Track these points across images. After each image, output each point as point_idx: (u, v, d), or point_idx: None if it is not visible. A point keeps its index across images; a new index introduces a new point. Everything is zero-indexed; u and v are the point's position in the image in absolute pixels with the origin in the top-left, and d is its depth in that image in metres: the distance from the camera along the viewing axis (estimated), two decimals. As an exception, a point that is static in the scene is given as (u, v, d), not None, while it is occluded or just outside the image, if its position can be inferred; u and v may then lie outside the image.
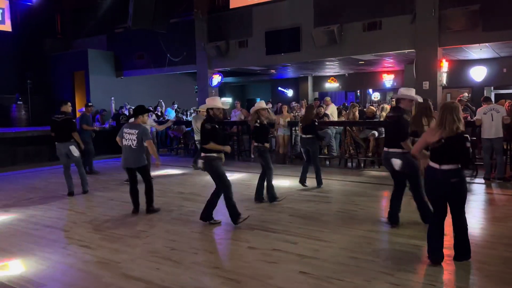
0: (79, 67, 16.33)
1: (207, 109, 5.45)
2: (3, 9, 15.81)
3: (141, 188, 6.26)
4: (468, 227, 4.00)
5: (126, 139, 6.08)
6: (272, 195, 6.59)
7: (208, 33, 14.00)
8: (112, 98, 15.27)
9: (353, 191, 7.39)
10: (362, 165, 10.11)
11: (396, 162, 5.02)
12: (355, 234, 4.93)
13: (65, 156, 7.50)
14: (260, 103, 6.72)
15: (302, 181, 7.78)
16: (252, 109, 6.72)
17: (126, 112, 14.28)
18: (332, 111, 11.48)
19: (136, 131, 6.03)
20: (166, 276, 3.88)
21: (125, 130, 6.14)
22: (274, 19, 12.59)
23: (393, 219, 5.23)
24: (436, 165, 3.84)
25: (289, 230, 5.20)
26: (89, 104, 10.62)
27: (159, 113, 15.11)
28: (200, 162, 5.42)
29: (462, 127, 3.78)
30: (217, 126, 5.32)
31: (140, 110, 6.27)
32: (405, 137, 4.94)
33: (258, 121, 6.55)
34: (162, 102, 15.96)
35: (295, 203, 6.53)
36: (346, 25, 11.29)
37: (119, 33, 16.56)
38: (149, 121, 8.33)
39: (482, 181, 7.89)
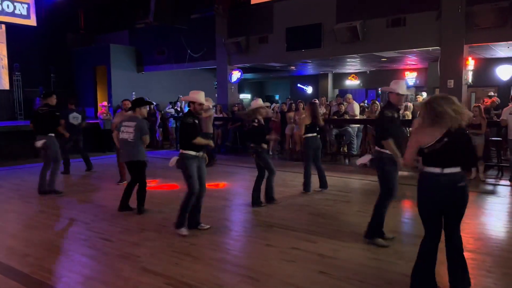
0: (101, 62, 16.55)
1: (189, 103, 5.08)
2: (28, 4, 16.11)
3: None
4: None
5: (123, 132, 5.86)
6: (271, 197, 6.37)
7: (229, 29, 13.98)
8: (133, 93, 15.43)
9: (374, 191, 7.22)
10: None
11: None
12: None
13: (43, 150, 7.02)
14: (258, 101, 6.37)
15: (308, 187, 7.06)
16: (250, 108, 6.39)
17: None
18: (355, 108, 11.31)
19: (134, 124, 5.82)
20: (185, 272, 3.87)
21: (124, 123, 5.95)
22: (296, 15, 12.47)
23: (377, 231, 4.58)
24: (437, 170, 3.16)
25: (309, 229, 5.14)
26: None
27: (179, 109, 15.19)
28: (174, 159, 5.02)
29: (465, 121, 3.17)
30: (196, 122, 4.97)
31: (139, 102, 5.97)
32: (384, 136, 4.35)
33: (256, 120, 6.21)
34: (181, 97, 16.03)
35: (314, 202, 6.46)
36: (369, 21, 11.09)
37: (140, 29, 16.70)
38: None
39: (508, 183, 7.66)
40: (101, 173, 9.23)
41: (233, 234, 5.14)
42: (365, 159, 5.00)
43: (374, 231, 4.53)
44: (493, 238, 4.74)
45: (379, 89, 17.76)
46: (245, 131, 6.74)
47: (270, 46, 13.17)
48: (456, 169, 3.16)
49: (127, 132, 5.83)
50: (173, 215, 5.77)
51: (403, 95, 4.48)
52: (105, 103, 13.65)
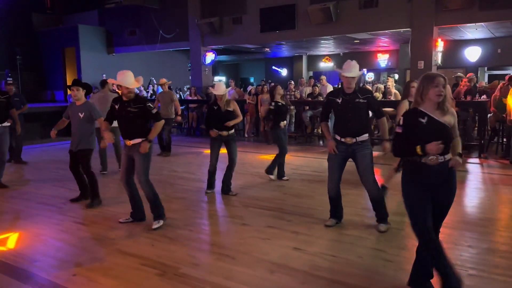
0: (69, 44, 16.03)
1: (117, 87, 4.84)
2: (-11, -18, 15.37)
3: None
4: None
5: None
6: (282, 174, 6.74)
7: (202, 9, 13.75)
8: (104, 75, 15.03)
9: (347, 171, 7.39)
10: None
11: None
12: (349, 212, 4.95)
13: None
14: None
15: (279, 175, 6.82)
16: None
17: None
18: (329, 90, 11.41)
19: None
20: (161, 253, 3.89)
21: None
22: (269, -5, 12.38)
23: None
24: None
25: (283, 208, 5.23)
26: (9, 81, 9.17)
27: (151, 92, 14.94)
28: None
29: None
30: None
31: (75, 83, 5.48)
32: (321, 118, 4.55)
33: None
34: (154, 80, 15.76)
35: (289, 182, 6.56)
36: (342, 3, 11.14)
37: (110, 9, 16.18)
38: None
39: (477, 160, 7.97)
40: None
41: (209, 215, 5.18)
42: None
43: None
44: (469, 214, 4.96)
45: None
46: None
47: (244, 27, 13.06)
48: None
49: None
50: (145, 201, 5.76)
51: (347, 77, 4.21)
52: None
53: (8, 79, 10.05)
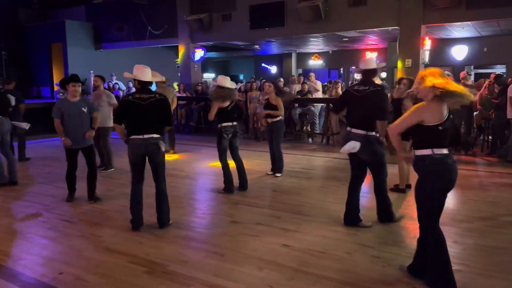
0: (56, 39, 15.78)
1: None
2: (-27, -25, 15.05)
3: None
4: None
5: None
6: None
7: (191, 5, 13.65)
8: (91, 71, 14.86)
9: (336, 168, 7.46)
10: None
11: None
12: (337, 209, 4.98)
13: None
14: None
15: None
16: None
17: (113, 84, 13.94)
18: (318, 87, 11.44)
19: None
20: (150, 250, 3.87)
21: None
22: (259, -8, 12.35)
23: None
24: (446, 151, 2.95)
25: (272, 205, 5.24)
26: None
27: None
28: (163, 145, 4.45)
29: None
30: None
31: (67, 80, 5.41)
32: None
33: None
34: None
35: (278, 180, 6.57)
36: (331, 0, 11.16)
37: (98, 4, 16.00)
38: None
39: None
40: (58, 154, 8.94)
41: (198, 212, 5.16)
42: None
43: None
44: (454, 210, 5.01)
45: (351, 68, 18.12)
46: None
47: (234, 23, 13.01)
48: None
49: None
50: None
51: (361, 70, 4.37)
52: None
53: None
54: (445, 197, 3.01)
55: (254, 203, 5.30)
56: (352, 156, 4.31)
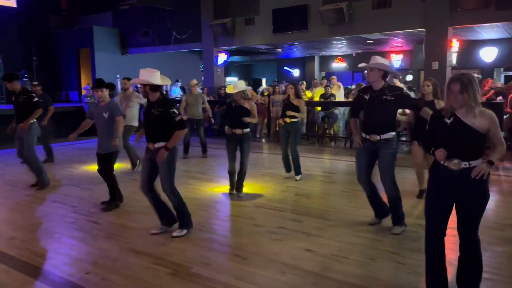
0: (84, 44, 16.22)
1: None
2: (7, -16, 15.63)
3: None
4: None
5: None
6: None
7: (214, 10, 13.80)
8: (118, 75, 15.20)
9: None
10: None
11: None
12: (361, 214, 4.93)
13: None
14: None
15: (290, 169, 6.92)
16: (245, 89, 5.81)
17: (133, 88, 14.18)
18: (340, 91, 11.37)
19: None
20: (173, 252, 3.92)
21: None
22: (282, -4, 12.37)
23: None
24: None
25: (295, 209, 5.22)
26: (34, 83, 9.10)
27: (164, 92, 15.03)
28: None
29: None
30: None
31: (99, 84, 5.37)
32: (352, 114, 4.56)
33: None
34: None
35: (300, 183, 6.54)
36: (355, 3, 11.08)
37: (124, 10, 16.35)
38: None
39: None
40: (85, 157, 9.17)
41: (221, 215, 5.19)
42: None
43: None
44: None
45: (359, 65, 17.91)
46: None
47: (257, 28, 13.08)
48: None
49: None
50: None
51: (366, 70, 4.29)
52: (89, 87, 13.44)
53: (25, 79, 10.07)
54: (438, 195, 2.88)
55: (277, 207, 5.29)
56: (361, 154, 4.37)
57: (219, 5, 13.72)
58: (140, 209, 5.27)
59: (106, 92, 5.31)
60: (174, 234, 4.30)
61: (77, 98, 16.36)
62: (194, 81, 9.34)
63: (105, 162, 5.35)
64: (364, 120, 4.32)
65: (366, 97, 4.21)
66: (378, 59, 4.14)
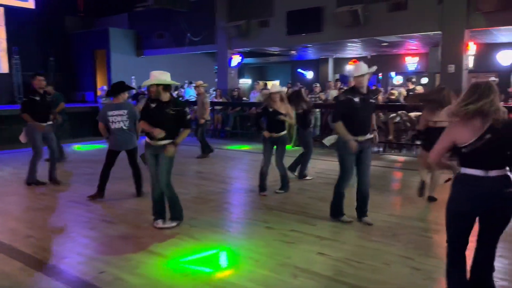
0: (100, 46, 16.45)
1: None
2: (26, -14, 15.93)
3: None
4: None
5: (115, 122, 5.63)
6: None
7: (229, 12, 13.86)
8: (133, 77, 15.36)
9: (373, 175, 7.21)
10: (382, 149, 9.98)
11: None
12: (375, 218, 4.88)
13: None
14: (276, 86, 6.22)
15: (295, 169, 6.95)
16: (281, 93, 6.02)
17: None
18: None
19: (126, 111, 5.66)
20: (186, 252, 3.93)
21: (110, 112, 5.63)
22: (296, -2, 12.36)
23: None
24: (480, 172, 2.58)
25: (308, 212, 5.19)
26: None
27: (175, 94, 15.11)
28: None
29: (503, 115, 2.59)
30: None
31: (121, 88, 5.71)
32: (333, 119, 4.77)
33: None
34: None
35: (313, 186, 6.51)
36: (370, 5, 11.01)
37: (140, 12, 16.56)
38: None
39: None
40: (100, 157, 9.26)
41: (233, 217, 5.20)
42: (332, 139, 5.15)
43: (335, 210, 4.79)
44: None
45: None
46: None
47: (271, 30, 13.08)
48: (504, 172, 2.60)
49: (120, 121, 5.68)
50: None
51: (358, 76, 4.51)
52: (105, 87, 13.61)
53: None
54: (469, 219, 2.68)
55: (290, 209, 5.27)
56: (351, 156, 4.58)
57: (233, 7, 13.77)
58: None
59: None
60: (161, 225, 4.56)
61: (92, 98, 16.58)
62: (199, 82, 9.33)
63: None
64: (351, 122, 4.48)
65: (357, 100, 4.47)
66: (361, 65, 4.61)
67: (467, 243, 2.76)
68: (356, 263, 3.66)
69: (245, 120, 12.36)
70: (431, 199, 5.40)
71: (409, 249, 3.96)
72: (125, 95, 5.87)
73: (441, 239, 4.24)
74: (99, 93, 13.50)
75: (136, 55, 16.86)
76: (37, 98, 6.44)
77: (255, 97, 13.23)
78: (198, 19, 14.64)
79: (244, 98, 13.87)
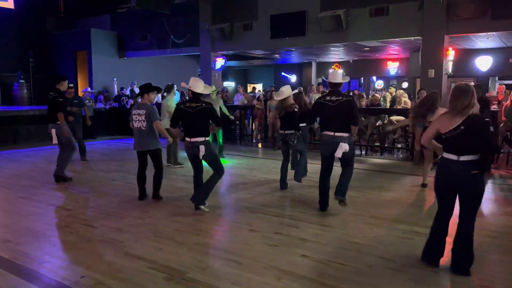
0: (81, 47, 16.22)
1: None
2: (5, -15, 15.62)
3: (150, 173, 6.01)
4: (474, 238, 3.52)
5: (135, 121, 5.69)
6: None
7: (213, 15, 13.85)
8: (114, 78, 15.20)
9: (355, 178, 7.34)
10: (363, 152, 10.10)
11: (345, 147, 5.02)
12: (357, 220, 4.94)
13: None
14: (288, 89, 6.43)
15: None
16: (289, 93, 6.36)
17: (128, 92, 14.18)
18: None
19: (144, 111, 5.66)
20: (169, 256, 3.90)
21: (134, 111, 5.74)
22: (280, 2, 12.44)
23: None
24: (453, 157, 3.38)
25: (291, 215, 5.22)
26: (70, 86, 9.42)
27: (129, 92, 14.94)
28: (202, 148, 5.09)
29: (477, 111, 3.37)
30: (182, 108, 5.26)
31: (146, 88, 5.79)
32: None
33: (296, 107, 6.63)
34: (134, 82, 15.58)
35: (296, 189, 6.54)
36: (352, 10, 11.16)
37: (122, 13, 16.40)
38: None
39: None
40: (79, 160, 9.13)
41: (217, 220, 5.18)
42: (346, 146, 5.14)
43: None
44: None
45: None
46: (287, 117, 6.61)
47: (255, 33, 13.13)
48: (473, 157, 3.33)
49: (139, 121, 5.67)
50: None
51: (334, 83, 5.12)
52: (89, 89, 13.40)
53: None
54: (447, 193, 3.52)
55: (273, 212, 5.29)
56: (331, 155, 5.11)
57: (217, 10, 13.77)
58: (136, 213, 5.25)
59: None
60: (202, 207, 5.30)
61: (74, 100, 16.29)
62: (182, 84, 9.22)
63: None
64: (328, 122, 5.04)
65: (332, 104, 4.96)
66: (341, 73, 5.21)
67: (449, 213, 3.58)
68: (339, 265, 3.70)
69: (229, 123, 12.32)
70: (424, 185, 6.50)
71: (390, 251, 4.02)
72: (152, 96, 5.84)
73: (422, 242, 4.33)
74: (82, 94, 13.28)
75: (118, 56, 16.68)
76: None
77: (239, 100, 13.24)
78: (182, 22, 14.59)
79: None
